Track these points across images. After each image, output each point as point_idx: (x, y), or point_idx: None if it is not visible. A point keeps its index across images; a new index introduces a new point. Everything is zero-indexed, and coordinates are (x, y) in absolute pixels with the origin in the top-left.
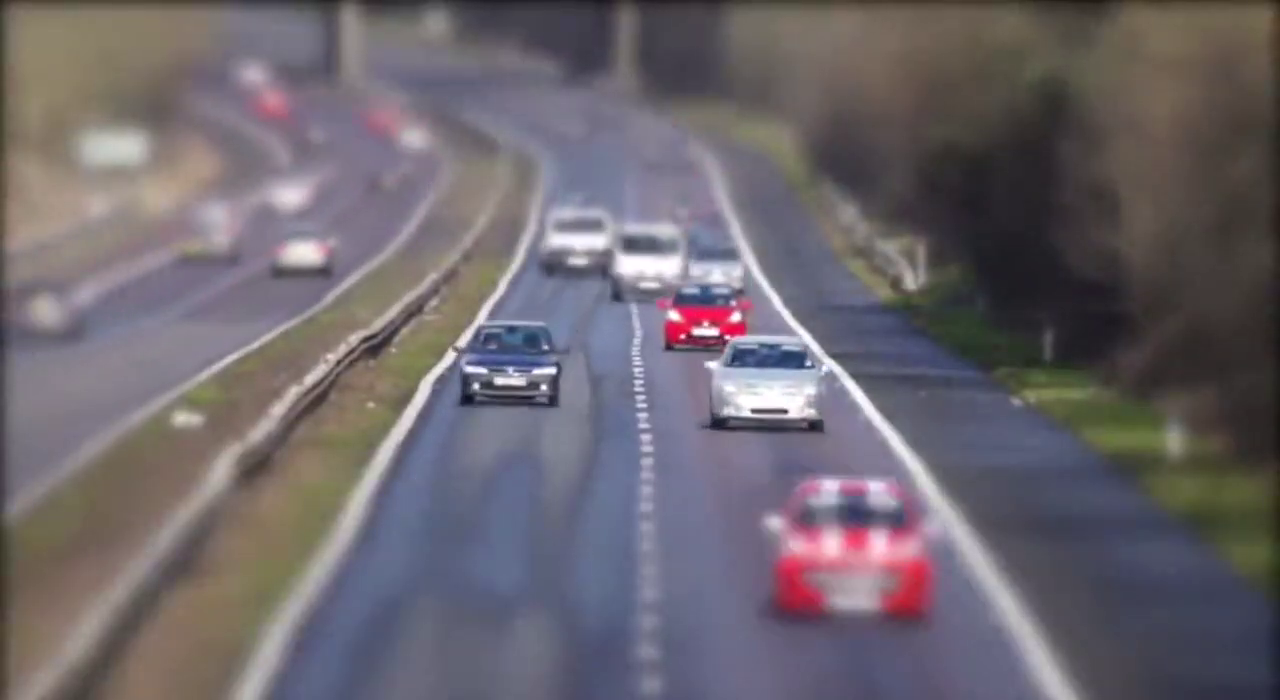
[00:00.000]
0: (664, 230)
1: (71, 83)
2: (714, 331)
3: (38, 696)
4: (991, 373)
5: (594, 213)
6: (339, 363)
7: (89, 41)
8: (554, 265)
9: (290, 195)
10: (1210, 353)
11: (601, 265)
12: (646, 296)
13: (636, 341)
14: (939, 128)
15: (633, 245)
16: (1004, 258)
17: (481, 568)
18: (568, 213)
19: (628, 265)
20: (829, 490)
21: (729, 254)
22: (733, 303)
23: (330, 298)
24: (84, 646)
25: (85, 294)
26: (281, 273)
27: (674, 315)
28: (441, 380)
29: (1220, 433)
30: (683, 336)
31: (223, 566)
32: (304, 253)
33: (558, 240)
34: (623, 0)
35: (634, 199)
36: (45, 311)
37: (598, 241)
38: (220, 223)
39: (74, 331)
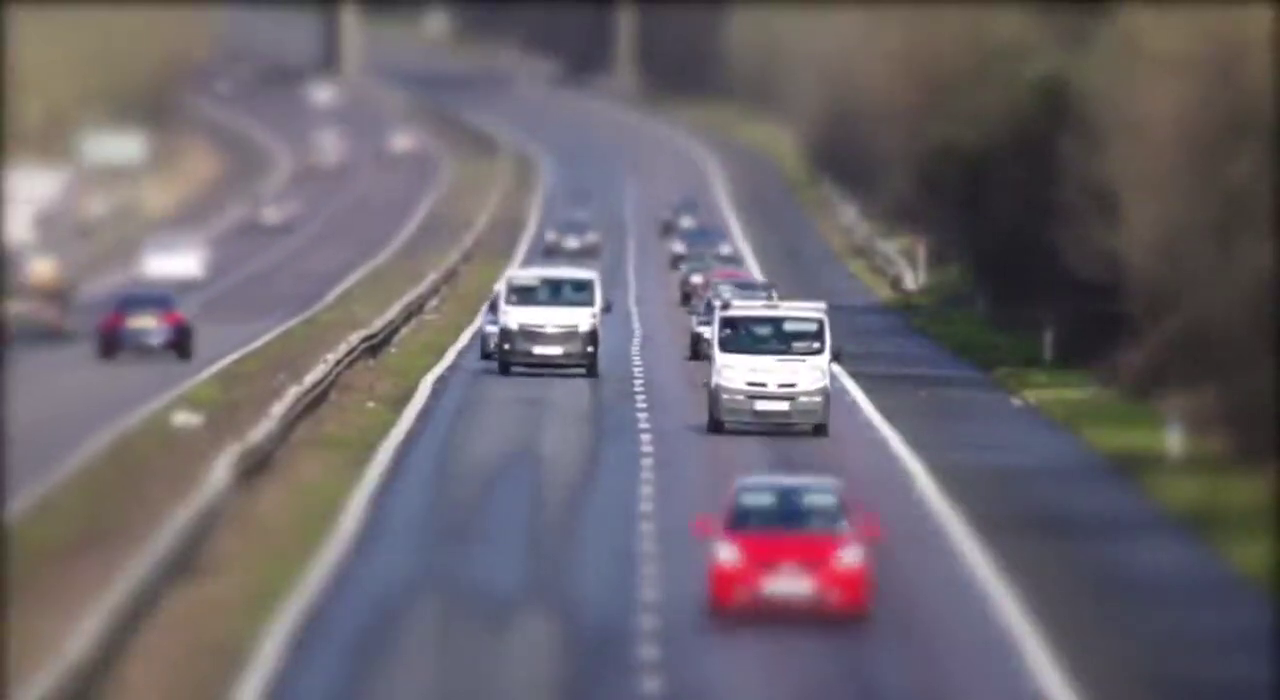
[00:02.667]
0: (801, 312)
1: (71, 83)
2: (804, 586)
3: (38, 696)
4: (991, 373)
5: (578, 271)
6: (339, 362)
7: (89, 41)
8: (510, 356)
9: (401, 142)
10: (1210, 353)
11: (586, 357)
12: (769, 424)
13: (636, 341)
14: (939, 127)
15: (744, 335)
16: (1004, 258)
17: (481, 568)
18: (530, 272)
19: (736, 371)
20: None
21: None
22: (841, 524)
23: (330, 297)
24: (84, 646)
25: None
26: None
27: (727, 552)
28: (441, 380)
29: (1220, 433)
30: (746, 595)
31: (222, 566)
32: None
33: (518, 316)
34: (623, 0)
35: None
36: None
37: (580, 318)
38: (331, 145)
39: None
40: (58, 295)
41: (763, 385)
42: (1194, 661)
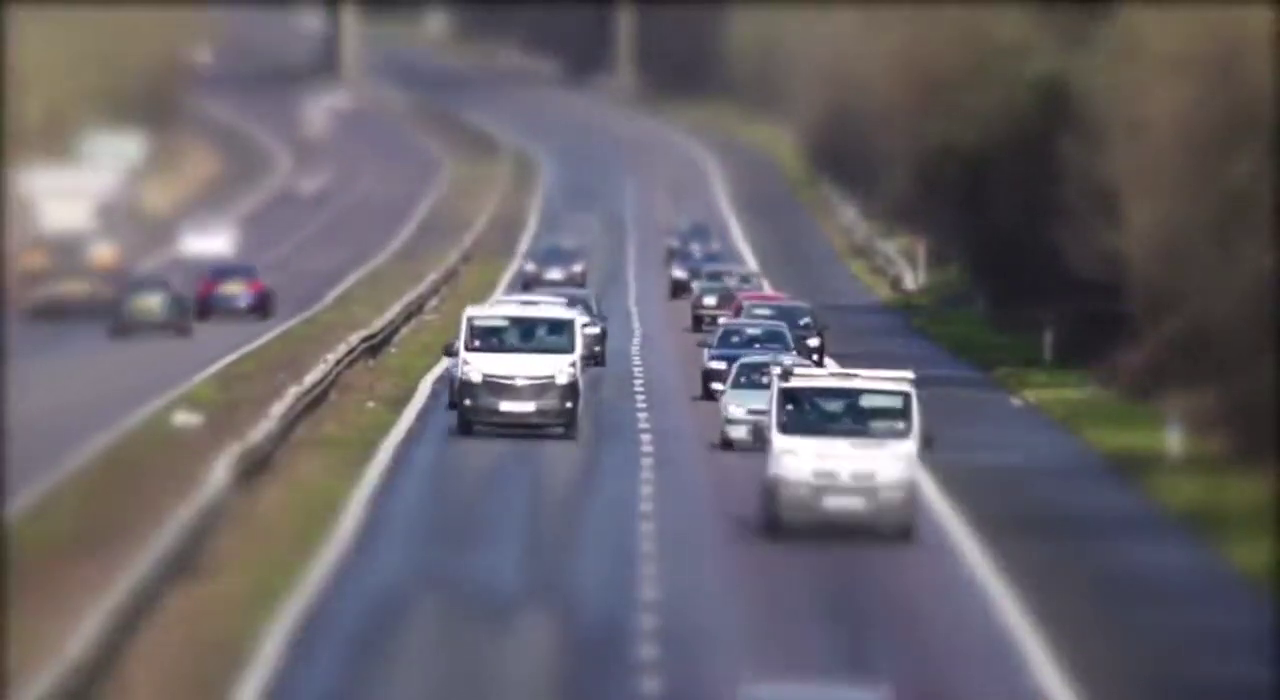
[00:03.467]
0: (881, 384)
1: (71, 83)
2: None
3: (38, 696)
4: (991, 373)
5: (554, 309)
6: (339, 363)
7: (89, 41)
8: (471, 413)
9: (343, 101)
10: (1210, 353)
11: (564, 414)
12: (841, 526)
13: (636, 341)
14: (939, 127)
15: (809, 412)
16: (1004, 258)
17: (481, 567)
18: (495, 310)
19: (800, 458)
20: None
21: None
22: None
23: (330, 297)
24: (84, 646)
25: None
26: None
27: None
28: (441, 380)
29: (1220, 433)
30: None
31: (222, 566)
32: (337, 101)
33: (481, 365)
34: (623, 0)
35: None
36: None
37: (558, 367)
38: (319, 118)
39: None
40: (118, 276)
41: (833, 476)
42: (1194, 661)
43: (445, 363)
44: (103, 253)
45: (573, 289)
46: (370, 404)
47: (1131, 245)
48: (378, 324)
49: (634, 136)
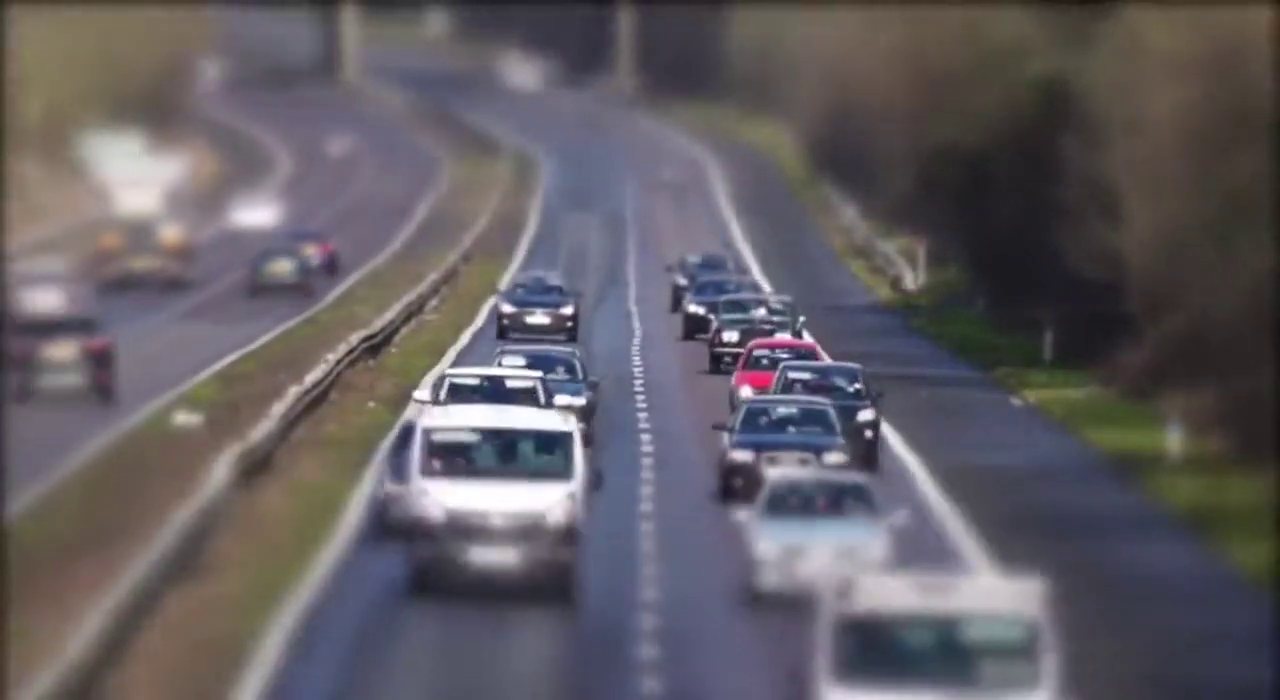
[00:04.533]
0: (990, 601)
1: (71, 83)
2: None
3: (38, 696)
4: (991, 373)
5: (541, 413)
6: (339, 362)
7: (89, 41)
8: (431, 564)
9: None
10: (1210, 353)
11: (556, 567)
12: None
13: (636, 341)
14: (939, 127)
15: (885, 648)
16: (1004, 258)
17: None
18: (461, 417)
19: None
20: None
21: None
22: None
23: (331, 297)
24: (84, 646)
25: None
26: None
27: None
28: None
29: (1220, 433)
30: None
31: (223, 566)
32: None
33: (444, 496)
34: (623, 0)
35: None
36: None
37: (549, 500)
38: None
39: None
40: (183, 254)
41: None
42: (1194, 661)
43: (379, 468)
44: (171, 233)
45: (549, 347)
46: (371, 404)
47: (1131, 245)
48: (378, 324)
49: (634, 136)
